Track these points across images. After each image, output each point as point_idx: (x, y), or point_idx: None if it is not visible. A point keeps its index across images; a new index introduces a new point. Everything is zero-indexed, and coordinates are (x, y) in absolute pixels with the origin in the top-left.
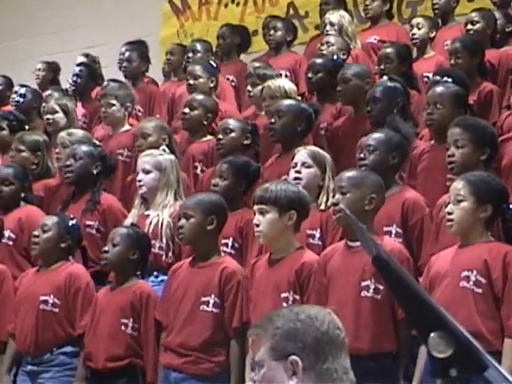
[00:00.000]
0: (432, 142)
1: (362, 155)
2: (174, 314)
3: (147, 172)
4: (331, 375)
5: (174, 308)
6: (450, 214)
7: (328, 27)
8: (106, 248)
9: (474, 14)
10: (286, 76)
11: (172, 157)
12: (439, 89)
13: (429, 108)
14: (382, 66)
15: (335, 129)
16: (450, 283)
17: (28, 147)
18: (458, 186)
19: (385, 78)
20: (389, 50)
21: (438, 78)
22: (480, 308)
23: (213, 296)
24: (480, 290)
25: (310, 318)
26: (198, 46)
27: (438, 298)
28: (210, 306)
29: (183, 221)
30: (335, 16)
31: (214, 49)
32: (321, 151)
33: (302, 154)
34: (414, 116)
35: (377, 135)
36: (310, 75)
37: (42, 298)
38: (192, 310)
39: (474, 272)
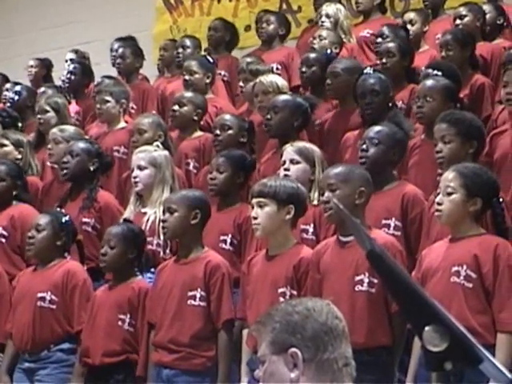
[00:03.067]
0: (422, 136)
1: (364, 147)
2: (161, 311)
3: (142, 168)
4: (331, 366)
5: (161, 306)
6: (439, 204)
7: (324, 18)
8: (102, 251)
9: (461, 9)
10: (278, 69)
11: (166, 152)
12: (429, 82)
13: (419, 101)
14: (384, 60)
15: (321, 124)
16: (440, 278)
17: (12, 143)
18: (449, 176)
19: (368, 69)
20: (391, 45)
21: (429, 71)
22: (471, 303)
23: (199, 290)
24: (470, 285)
25: (308, 310)
26: (188, 42)
27: (430, 293)
28: (197, 299)
29: (167, 215)
30: (332, 8)
31: (206, 44)
32: (308, 146)
33: (288, 151)
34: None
35: (380, 128)
36: (303, 69)
37: (40, 294)
38: (179, 305)
39: (464, 267)
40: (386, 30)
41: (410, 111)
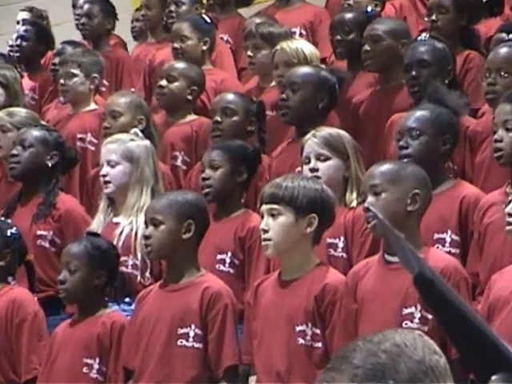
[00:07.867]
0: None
1: (402, 143)
2: (143, 352)
3: (114, 164)
4: None
5: (142, 345)
6: (510, 215)
7: None
8: (61, 277)
9: None
10: (301, 35)
11: (147, 142)
12: (503, 50)
13: (490, 76)
14: (434, 17)
15: (355, 106)
16: (510, 312)
17: None
18: None
19: (424, 35)
20: None
21: (503, 35)
22: None
23: (193, 326)
24: None
25: (397, 346)
26: None
27: (498, 331)
28: (190, 339)
29: (151, 229)
30: None
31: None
32: (335, 133)
33: (311, 144)
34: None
35: (420, 114)
36: (338, 37)
37: None
38: (167, 346)
39: None
40: None
41: (463, 84)
